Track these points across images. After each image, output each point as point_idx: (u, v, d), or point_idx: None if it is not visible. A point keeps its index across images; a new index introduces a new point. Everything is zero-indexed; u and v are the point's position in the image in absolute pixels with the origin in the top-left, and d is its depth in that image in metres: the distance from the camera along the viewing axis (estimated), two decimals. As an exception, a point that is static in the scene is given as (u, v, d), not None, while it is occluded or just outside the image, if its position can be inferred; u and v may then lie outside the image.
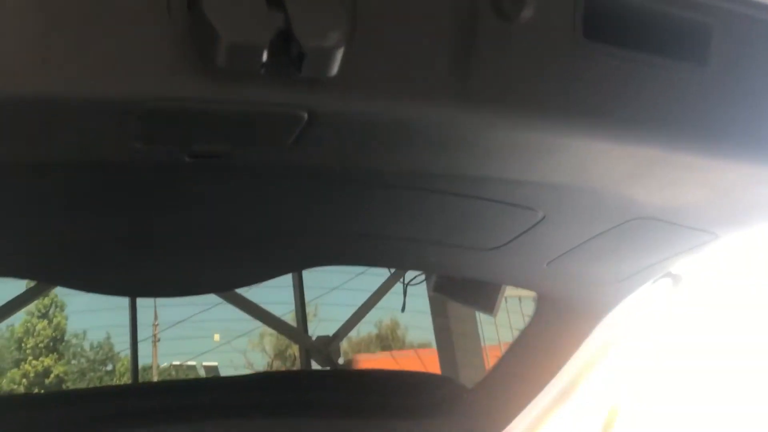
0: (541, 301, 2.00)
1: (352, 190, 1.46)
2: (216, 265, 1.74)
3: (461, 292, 2.30)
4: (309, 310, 9.84)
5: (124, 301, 8.53)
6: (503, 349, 3.10)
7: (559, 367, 2.10)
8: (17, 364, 19.43)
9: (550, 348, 2.09)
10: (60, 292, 19.15)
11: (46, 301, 19.67)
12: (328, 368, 6.22)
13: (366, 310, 8.57)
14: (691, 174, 1.36)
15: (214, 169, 1.27)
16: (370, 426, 2.21)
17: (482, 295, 2.16)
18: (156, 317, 18.13)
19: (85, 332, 20.47)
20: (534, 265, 1.79)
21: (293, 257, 1.79)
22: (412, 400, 2.28)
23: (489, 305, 2.13)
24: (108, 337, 20.10)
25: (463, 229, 1.67)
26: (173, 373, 19.39)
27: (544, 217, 1.56)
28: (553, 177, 1.37)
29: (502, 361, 2.20)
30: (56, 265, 1.55)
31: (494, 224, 1.64)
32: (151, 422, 2.02)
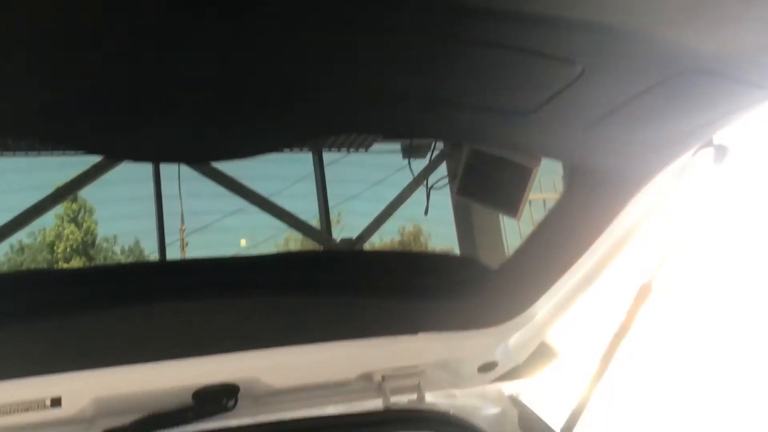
0: (572, 173, 1.89)
1: (373, 37, 1.34)
2: (225, 126, 1.63)
3: (485, 194, 2.21)
4: (332, 217, 9.87)
5: (152, 208, 8.61)
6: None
7: (589, 245, 2.02)
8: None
9: (580, 225, 2.00)
10: (89, 197, 19.48)
11: (75, 206, 20.02)
12: (348, 249, 6.24)
13: (389, 212, 8.60)
14: (748, 11, 1.23)
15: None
16: (390, 305, 2.17)
17: (506, 197, 2.08)
18: (183, 221, 18.37)
19: (115, 237, 20.90)
20: (570, 131, 1.67)
21: (307, 120, 1.67)
22: (434, 280, 2.22)
23: (512, 208, 2.05)
24: (138, 242, 20.49)
25: (496, 87, 1.55)
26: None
27: (583, 72, 1.44)
28: (595, 14, 1.24)
29: (529, 239, 2.12)
30: (58, 121, 1.45)
31: (529, 81, 1.52)
32: (171, 298, 2.00)
